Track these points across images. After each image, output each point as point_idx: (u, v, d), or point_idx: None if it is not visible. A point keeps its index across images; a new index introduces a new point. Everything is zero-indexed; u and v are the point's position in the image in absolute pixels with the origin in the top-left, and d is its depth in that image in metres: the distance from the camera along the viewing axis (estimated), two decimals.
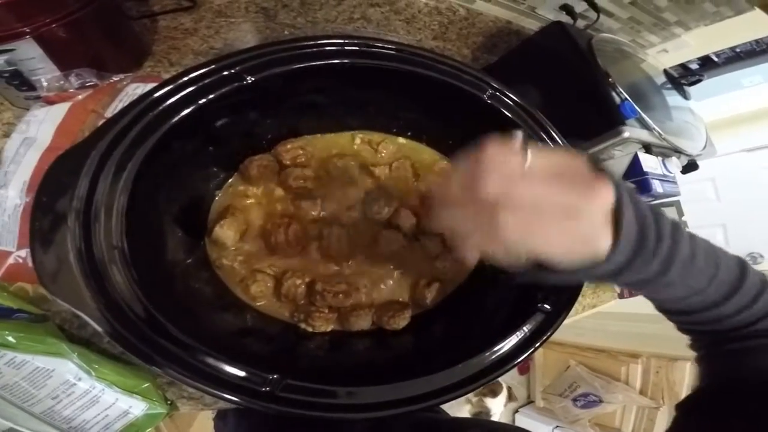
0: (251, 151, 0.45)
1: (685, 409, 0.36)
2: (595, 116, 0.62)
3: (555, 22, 0.67)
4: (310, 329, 0.43)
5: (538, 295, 0.41)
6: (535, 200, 0.24)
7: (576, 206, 0.24)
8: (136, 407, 0.43)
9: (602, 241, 0.25)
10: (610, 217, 0.25)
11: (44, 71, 0.45)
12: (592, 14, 0.72)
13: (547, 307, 0.40)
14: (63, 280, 0.30)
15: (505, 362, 0.37)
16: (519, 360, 0.38)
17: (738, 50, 1.00)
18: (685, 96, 0.84)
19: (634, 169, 0.64)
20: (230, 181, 0.44)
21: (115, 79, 0.48)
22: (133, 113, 0.33)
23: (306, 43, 0.38)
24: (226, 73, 0.36)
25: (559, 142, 0.47)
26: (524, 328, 0.39)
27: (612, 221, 0.25)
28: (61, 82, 0.46)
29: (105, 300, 0.30)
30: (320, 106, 0.46)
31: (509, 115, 0.46)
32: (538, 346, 0.39)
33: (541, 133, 0.47)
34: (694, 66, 1.02)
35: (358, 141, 0.49)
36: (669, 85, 0.82)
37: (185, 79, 0.34)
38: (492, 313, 0.46)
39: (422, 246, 0.47)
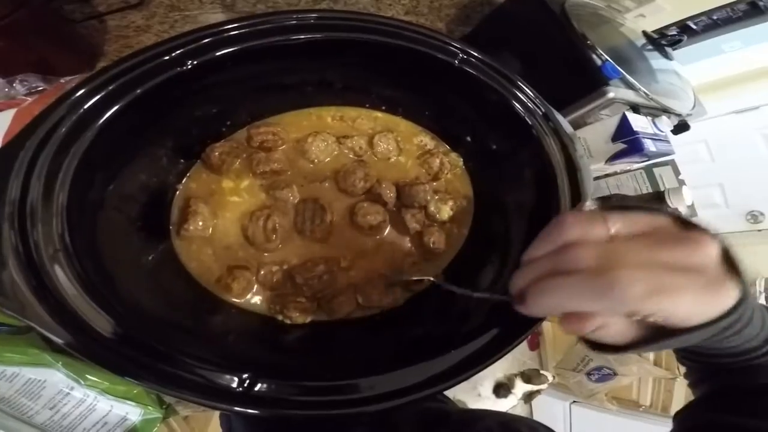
0: (213, 139, 0.41)
1: (683, 417, 0.34)
2: (577, 80, 0.60)
3: None
4: (288, 321, 0.40)
5: None
6: (643, 257, 0.21)
7: (682, 260, 0.21)
8: (133, 413, 0.43)
9: (729, 292, 0.22)
10: (724, 267, 0.22)
11: None
12: None
13: None
14: (10, 292, 0.26)
15: (507, 339, 0.34)
16: (521, 338, 0.34)
17: (715, 17, 1.00)
18: (668, 56, 0.81)
19: (624, 129, 0.61)
20: (192, 170, 0.41)
21: (63, 81, 0.44)
22: (62, 108, 0.29)
23: (252, 21, 0.35)
24: (165, 58, 0.32)
25: (540, 105, 0.43)
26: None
27: (728, 270, 0.22)
28: (6, 90, 0.43)
29: (55, 309, 0.27)
30: (282, 87, 0.43)
31: (483, 78, 0.42)
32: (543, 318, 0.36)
33: (519, 95, 0.43)
34: (672, 32, 1.01)
35: (329, 119, 0.46)
36: (650, 47, 0.79)
37: (116, 70, 0.31)
38: (490, 287, 0.43)
39: (405, 220, 0.44)
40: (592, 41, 0.59)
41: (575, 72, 0.59)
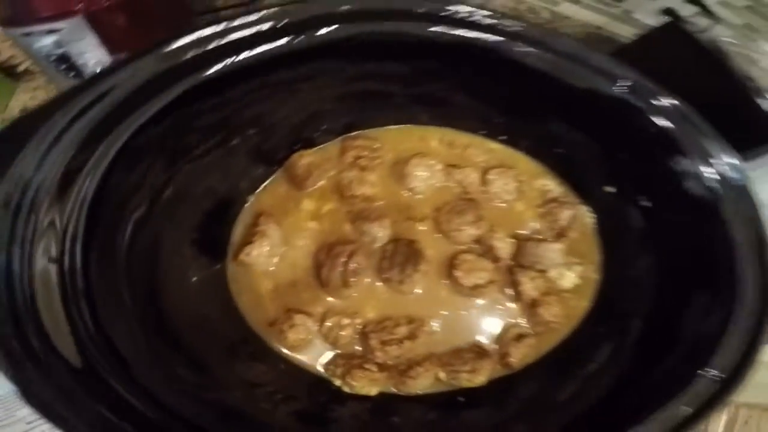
0: (302, 145, 0.31)
1: None
2: (744, 134, 0.45)
3: (670, 23, 0.52)
4: (347, 389, 0.29)
5: (700, 354, 0.26)
6: None
7: None
8: None
9: None
10: None
11: (93, 56, 0.36)
12: (700, 21, 0.56)
13: (715, 372, 0.25)
14: None
15: None
16: None
17: None
18: None
19: None
20: (270, 180, 0.31)
21: None
22: (114, 77, 0.20)
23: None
24: (266, 26, 0.23)
25: (727, 159, 0.30)
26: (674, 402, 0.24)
27: None
28: (101, 67, 0.37)
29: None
30: (387, 95, 0.32)
31: (650, 116, 0.30)
32: None
33: (706, 146, 0.30)
34: None
35: (435, 142, 0.35)
36: None
37: (197, 36, 0.22)
38: (606, 366, 0.31)
39: (521, 284, 0.31)
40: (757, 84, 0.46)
41: (734, 122, 0.46)
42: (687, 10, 0.57)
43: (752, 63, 0.56)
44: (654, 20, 0.59)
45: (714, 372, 0.25)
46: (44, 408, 0.17)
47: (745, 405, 1.07)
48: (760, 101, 0.43)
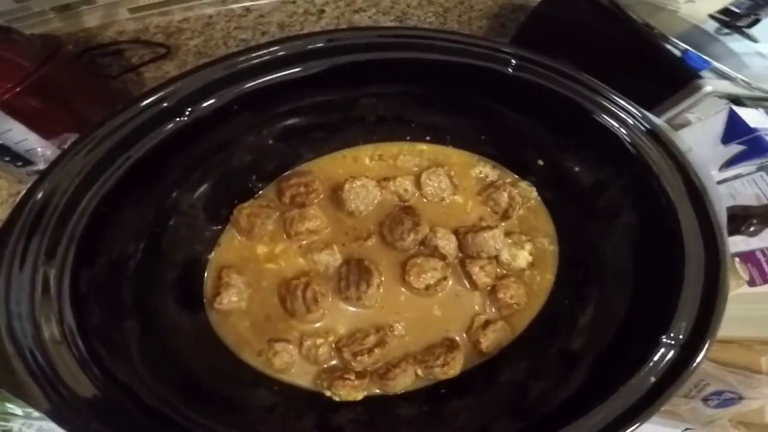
0: (241, 198, 0.34)
1: None
2: (654, 77, 0.45)
3: None
4: (336, 398, 0.31)
5: (660, 320, 0.25)
6: None
7: None
8: None
9: None
10: None
11: (30, 143, 0.37)
12: None
13: (673, 338, 0.25)
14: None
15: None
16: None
17: None
18: (752, 39, 0.62)
19: (736, 128, 0.44)
20: (222, 236, 0.34)
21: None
22: (53, 180, 0.24)
23: (252, 54, 0.27)
24: (164, 105, 0.26)
25: (634, 110, 0.30)
26: (642, 373, 0.24)
27: None
28: (49, 152, 0.38)
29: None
30: (306, 128, 0.35)
31: (547, 84, 0.31)
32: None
33: (599, 99, 0.30)
34: (742, 12, 0.79)
35: (367, 160, 0.37)
36: (725, 31, 0.61)
37: (106, 129, 0.25)
38: (589, 336, 0.30)
39: (473, 275, 0.33)
40: (660, 30, 0.44)
41: (648, 69, 0.45)
42: None
43: (659, 9, 0.54)
44: None
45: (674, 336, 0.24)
46: None
47: None
48: (668, 48, 0.43)
